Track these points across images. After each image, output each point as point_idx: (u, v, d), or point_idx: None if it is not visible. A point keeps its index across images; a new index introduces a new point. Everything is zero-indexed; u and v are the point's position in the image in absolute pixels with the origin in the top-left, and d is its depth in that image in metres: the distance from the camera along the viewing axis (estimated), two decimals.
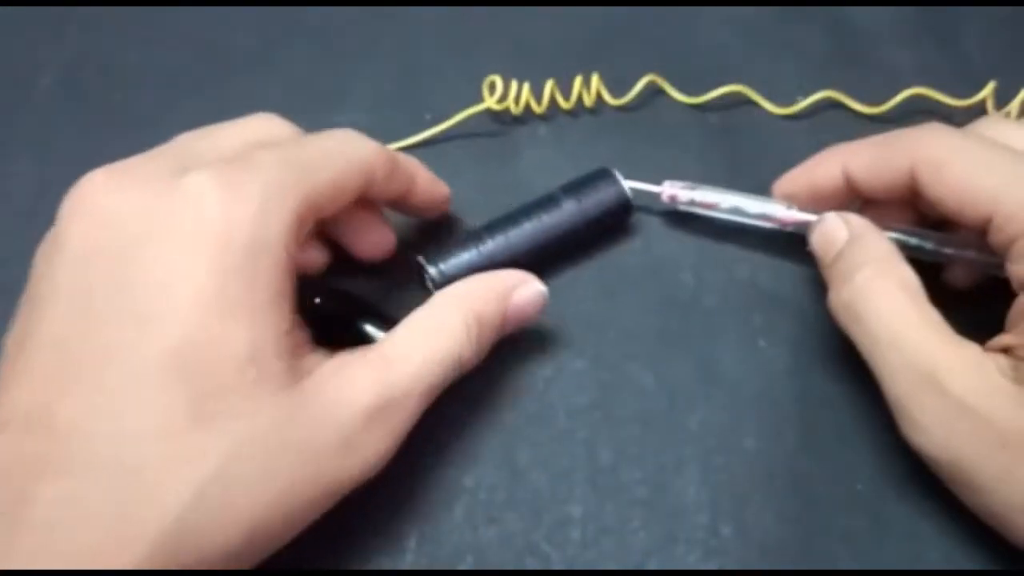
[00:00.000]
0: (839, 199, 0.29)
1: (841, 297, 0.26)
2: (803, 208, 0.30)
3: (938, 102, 0.35)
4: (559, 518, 0.26)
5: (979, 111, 0.35)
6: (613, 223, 0.32)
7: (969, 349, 0.24)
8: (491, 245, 0.29)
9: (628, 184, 0.31)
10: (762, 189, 0.31)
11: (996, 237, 0.25)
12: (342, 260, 0.29)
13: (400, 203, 0.29)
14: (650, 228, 0.33)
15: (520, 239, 0.29)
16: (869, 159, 0.28)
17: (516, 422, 0.28)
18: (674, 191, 0.31)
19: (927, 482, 0.26)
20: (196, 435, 0.20)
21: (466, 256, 0.29)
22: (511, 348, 0.30)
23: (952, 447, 0.23)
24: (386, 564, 0.25)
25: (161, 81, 0.38)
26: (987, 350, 0.24)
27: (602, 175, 0.31)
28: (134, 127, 0.36)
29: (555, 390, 0.29)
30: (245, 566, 0.21)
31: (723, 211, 0.31)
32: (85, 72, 0.38)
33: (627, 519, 0.26)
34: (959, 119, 0.30)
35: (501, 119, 0.36)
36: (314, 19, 0.40)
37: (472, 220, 0.32)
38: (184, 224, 0.22)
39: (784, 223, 0.30)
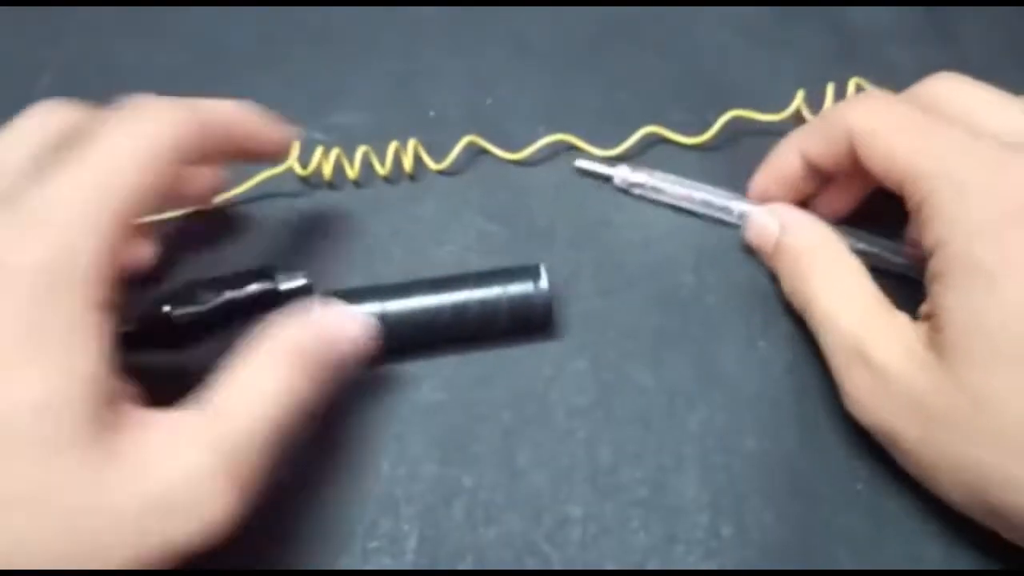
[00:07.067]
0: (808, 184, 0.30)
1: (789, 287, 0.28)
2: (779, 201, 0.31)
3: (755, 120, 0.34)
4: (559, 518, 0.26)
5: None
6: (529, 325, 0.29)
7: (897, 319, 0.25)
8: (383, 308, 0.27)
9: (581, 163, 0.32)
10: None
11: (909, 204, 0.25)
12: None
13: (224, 158, 0.26)
14: (650, 227, 0.33)
15: (420, 315, 0.28)
16: (817, 137, 0.28)
17: (516, 422, 0.28)
18: (626, 175, 0.33)
19: None
20: None
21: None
22: (509, 348, 0.30)
23: (879, 415, 0.24)
24: (386, 564, 0.25)
25: (161, 81, 0.37)
26: (915, 319, 0.25)
27: (527, 273, 0.28)
28: None
29: (555, 390, 0.29)
30: None
31: (673, 198, 0.32)
32: (85, 72, 0.38)
33: (627, 519, 0.26)
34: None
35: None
36: (314, 19, 0.40)
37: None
38: None
39: (730, 212, 0.32)
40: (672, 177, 0.33)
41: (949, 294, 0.23)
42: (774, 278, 0.30)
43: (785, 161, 0.30)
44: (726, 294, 0.31)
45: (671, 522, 0.26)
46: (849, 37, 0.39)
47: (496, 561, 0.26)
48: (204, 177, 0.29)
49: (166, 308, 0.26)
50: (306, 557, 0.26)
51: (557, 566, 0.25)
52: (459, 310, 0.28)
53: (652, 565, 0.25)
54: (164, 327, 0.26)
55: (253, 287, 0.28)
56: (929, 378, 0.23)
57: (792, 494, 0.27)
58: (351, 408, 0.28)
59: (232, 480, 0.20)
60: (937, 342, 0.23)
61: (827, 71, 0.38)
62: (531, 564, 0.25)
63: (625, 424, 0.28)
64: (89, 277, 0.20)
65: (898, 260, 0.30)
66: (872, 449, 0.27)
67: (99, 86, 0.38)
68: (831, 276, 0.27)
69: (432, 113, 0.36)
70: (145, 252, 0.27)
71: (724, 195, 0.32)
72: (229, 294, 0.27)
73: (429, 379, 0.29)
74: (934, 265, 0.24)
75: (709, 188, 0.32)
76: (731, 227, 0.32)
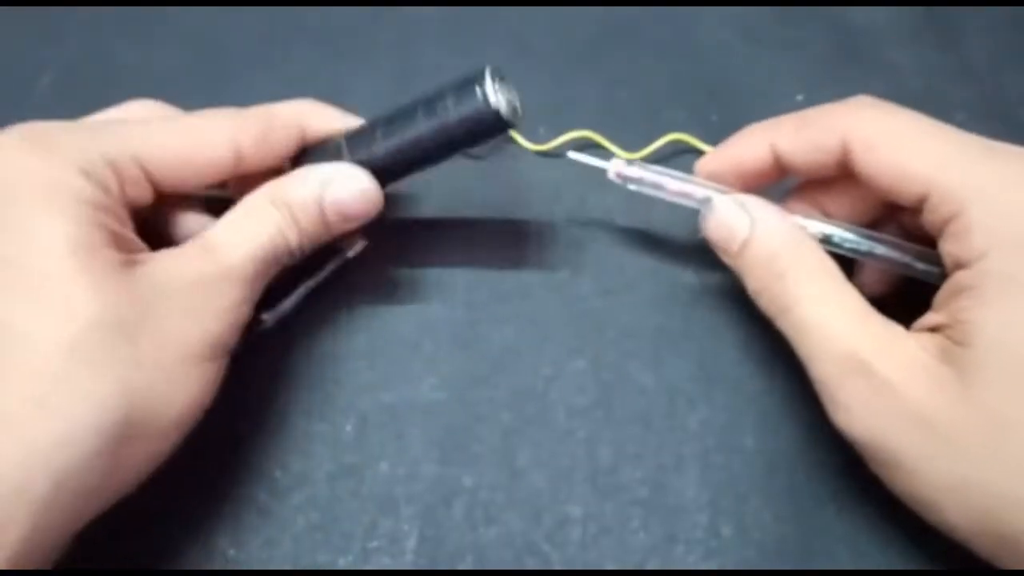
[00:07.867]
0: (768, 178, 0.28)
1: (764, 289, 0.26)
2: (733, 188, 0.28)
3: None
4: (559, 518, 0.26)
5: None
6: (480, 131, 0.28)
7: (893, 329, 0.24)
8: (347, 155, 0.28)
9: (573, 156, 0.30)
10: None
11: (931, 217, 0.24)
12: None
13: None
14: (651, 227, 0.33)
15: (379, 148, 0.27)
16: (797, 137, 0.27)
17: (516, 422, 0.28)
18: (621, 169, 0.29)
19: None
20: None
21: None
22: (510, 347, 0.30)
23: (877, 429, 0.23)
24: (386, 564, 0.25)
25: (161, 81, 0.38)
26: (912, 331, 0.24)
27: (470, 81, 0.28)
28: None
29: (555, 390, 0.29)
30: (169, 448, 0.23)
31: (671, 194, 0.29)
32: (85, 72, 0.38)
33: (627, 519, 0.26)
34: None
35: None
36: (314, 19, 0.41)
37: None
38: None
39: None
40: (667, 171, 0.29)
41: (982, 308, 0.22)
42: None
43: (750, 150, 0.28)
44: (726, 294, 0.31)
45: (671, 522, 0.26)
46: (849, 37, 0.39)
47: (496, 561, 0.26)
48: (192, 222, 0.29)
49: (264, 317, 0.28)
50: (306, 557, 0.26)
51: (557, 566, 0.25)
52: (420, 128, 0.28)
53: (652, 565, 0.25)
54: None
55: (329, 268, 0.29)
56: (943, 394, 0.22)
57: (792, 494, 0.27)
58: (350, 407, 0.28)
59: (229, 297, 0.24)
60: (957, 356, 0.22)
61: (827, 71, 0.38)
62: (531, 564, 0.25)
63: (625, 424, 0.28)
64: (105, 166, 0.23)
65: (891, 255, 0.27)
66: None
67: (99, 86, 0.38)
68: (814, 280, 0.25)
69: None
70: (194, 222, 0.28)
71: (717, 188, 0.28)
72: (309, 283, 0.29)
73: (429, 378, 0.29)
74: (965, 277, 0.23)
75: (708, 183, 0.29)
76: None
